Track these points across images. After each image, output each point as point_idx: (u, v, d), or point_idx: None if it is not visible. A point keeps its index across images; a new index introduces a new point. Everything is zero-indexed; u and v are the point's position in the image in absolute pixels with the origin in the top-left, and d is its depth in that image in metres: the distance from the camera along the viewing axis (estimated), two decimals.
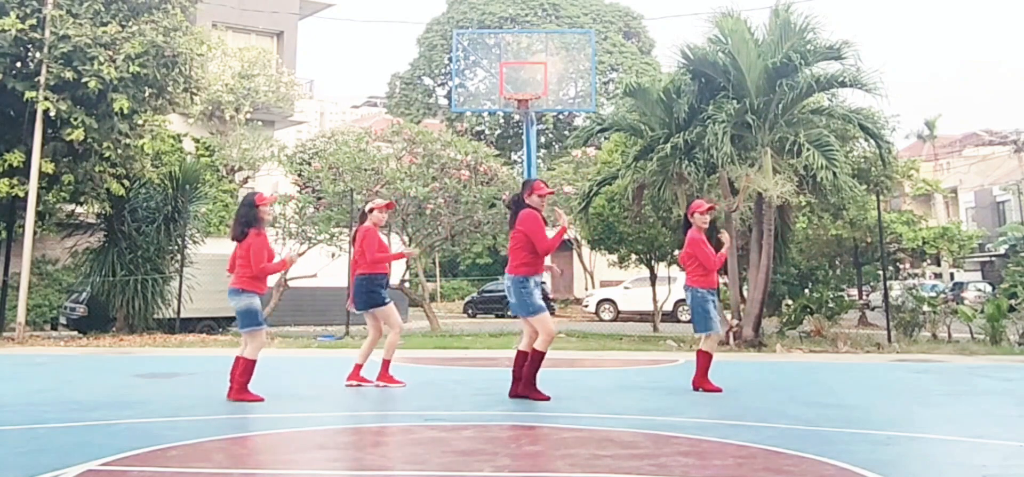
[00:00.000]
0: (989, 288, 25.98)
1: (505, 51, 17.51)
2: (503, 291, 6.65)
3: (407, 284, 18.31)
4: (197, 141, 23.20)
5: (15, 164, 13.49)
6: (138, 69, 13.47)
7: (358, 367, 7.43)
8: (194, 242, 16.37)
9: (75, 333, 15.67)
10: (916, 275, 25.35)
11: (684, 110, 13.21)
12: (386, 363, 7.49)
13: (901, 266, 24.77)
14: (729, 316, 13.19)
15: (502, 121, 37.10)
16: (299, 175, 20.20)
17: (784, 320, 15.24)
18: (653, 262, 19.30)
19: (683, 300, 11.18)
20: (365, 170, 16.38)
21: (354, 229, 7.71)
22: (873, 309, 21.96)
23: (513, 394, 6.51)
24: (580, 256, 28.45)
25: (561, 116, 35.66)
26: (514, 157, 34.96)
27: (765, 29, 13.30)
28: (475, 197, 16.34)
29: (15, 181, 13.53)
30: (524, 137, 16.26)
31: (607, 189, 16.25)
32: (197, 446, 4.71)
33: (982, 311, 14.77)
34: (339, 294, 15.08)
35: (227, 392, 6.44)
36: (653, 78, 19.42)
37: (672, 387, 7.80)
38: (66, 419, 5.59)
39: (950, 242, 23.53)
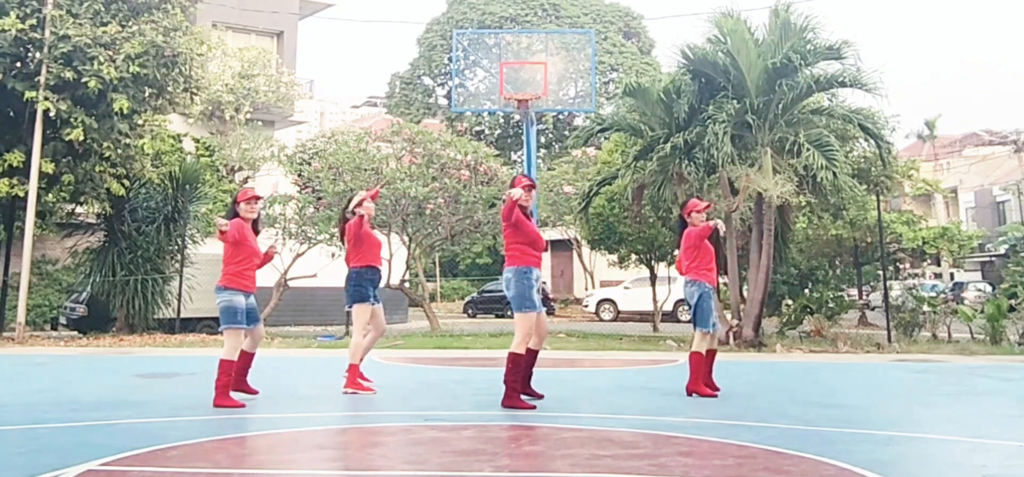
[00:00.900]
0: (989, 288, 25.93)
1: (505, 51, 17.47)
2: (503, 291, 6.61)
3: (407, 284, 18.31)
4: (197, 141, 23.18)
5: (15, 164, 13.49)
6: (138, 69, 13.47)
7: (354, 369, 7.35)
8: (194, 242, 16.37)
9: (75, 333, 15.67)
10: (916, 275, 25.37)
11: (684, 110, 13.19)
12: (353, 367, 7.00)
13: (901, 266, 24.76)
14: (729, 316, 13.20)
15: (502, 121, 37.10)
16: (299, 175, 20.16)
17: (784, 320, 15.25)
18: (653, 262, 19.29)
19: (683, 300, 11.17)
20: (365, 170, 16.35)
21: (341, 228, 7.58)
22: (873, 309, 21.94)
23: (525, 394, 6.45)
24: (580, 256, 28.43)
25: (561, 116, 35.64)
26: (514, 157, 34.97)
27: (765, 29, 13.30)
28: (475, 197, 16.32)
29: (15, 181, 13.53)
30: (524, 137, 16.25)
31: (607, 189, 16.25)
32: (197, 446, 4.72)
33: (982, 311, 14.77)
34: (339, 294, 15.03)
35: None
36: (653, 78, 19.42)
37: (672, 387, 7.79)
38: (66, 419, 5.60)
39: (950, 242, 23.53)
